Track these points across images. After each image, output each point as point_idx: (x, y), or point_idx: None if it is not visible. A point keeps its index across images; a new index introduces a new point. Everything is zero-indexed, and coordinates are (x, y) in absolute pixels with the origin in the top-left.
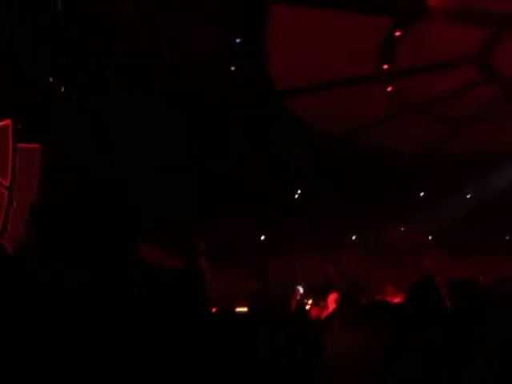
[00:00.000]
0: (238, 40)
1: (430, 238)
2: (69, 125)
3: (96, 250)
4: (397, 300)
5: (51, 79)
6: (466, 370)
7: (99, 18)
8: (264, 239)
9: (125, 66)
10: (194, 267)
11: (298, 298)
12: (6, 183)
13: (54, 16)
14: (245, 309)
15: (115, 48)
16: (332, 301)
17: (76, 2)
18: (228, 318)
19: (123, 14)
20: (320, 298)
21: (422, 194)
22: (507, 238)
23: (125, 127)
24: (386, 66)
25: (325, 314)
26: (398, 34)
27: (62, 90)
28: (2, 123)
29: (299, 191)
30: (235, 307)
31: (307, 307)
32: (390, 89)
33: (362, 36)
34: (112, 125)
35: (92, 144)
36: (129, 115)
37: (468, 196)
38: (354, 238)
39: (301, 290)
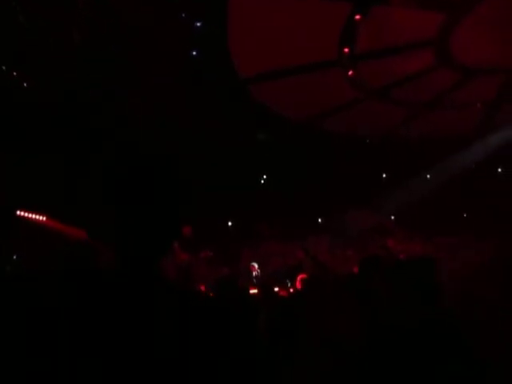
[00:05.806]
0: (198, 24)
1: (392, 219)
2: None
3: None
4: None
5: None
6: None
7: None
8: (233, 225)
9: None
10: None
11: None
12: None
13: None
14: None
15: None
16: (299, 281)
17: None
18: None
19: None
20: (291, 278)
21: (383, 176)
22: (465, 216)
23: None
24: (346, 50)
25: (292, 292)
26: (357, 17)
27: None
28: None
29: (265, 177)
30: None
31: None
32: (350, 73)
33: (322, 21)
34: None
35: None
36: None
37: (427, 177)
38: (320, 222)
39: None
